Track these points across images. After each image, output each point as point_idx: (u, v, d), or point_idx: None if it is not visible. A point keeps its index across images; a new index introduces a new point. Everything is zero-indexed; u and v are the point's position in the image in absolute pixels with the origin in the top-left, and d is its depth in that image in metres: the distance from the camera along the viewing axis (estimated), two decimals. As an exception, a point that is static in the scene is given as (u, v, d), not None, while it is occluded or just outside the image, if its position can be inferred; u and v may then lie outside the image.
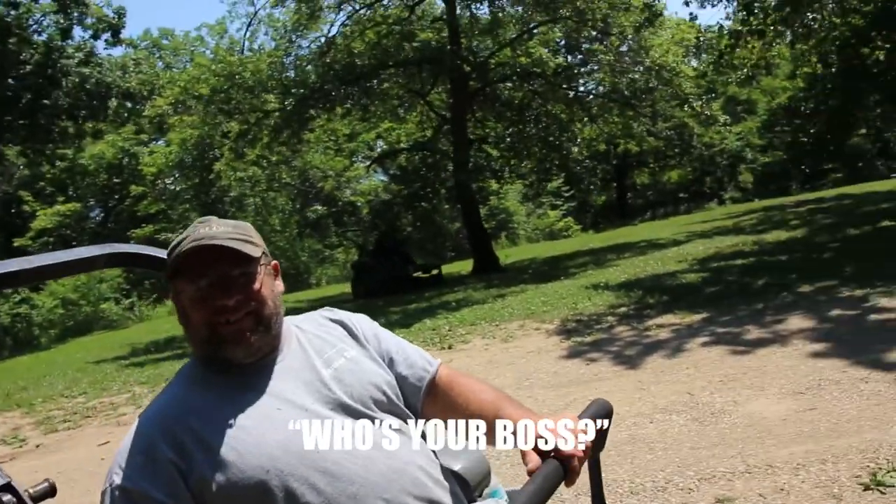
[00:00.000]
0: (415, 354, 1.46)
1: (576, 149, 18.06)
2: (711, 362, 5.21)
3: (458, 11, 16.71)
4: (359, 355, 1.38)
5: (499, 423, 1.27)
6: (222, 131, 19.45)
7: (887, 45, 11.49)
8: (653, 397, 4.66)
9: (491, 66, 17.13)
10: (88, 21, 21.21)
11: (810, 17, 11.38)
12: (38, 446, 6.19)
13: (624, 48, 17.30)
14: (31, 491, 1.46)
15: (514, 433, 1.22)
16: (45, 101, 19.29)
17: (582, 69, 18.20)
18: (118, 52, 33.85)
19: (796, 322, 5.91)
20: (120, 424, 6.47)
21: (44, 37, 20.37)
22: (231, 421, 1.18)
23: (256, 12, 18.48)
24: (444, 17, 16.88)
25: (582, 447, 1.14)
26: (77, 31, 21.23)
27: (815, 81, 14.98)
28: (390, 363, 1.41)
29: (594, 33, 17.05)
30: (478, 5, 17.33)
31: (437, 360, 1.47)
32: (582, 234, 29.06)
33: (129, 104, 23.91)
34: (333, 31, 17.22)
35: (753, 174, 35.22)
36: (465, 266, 17.00)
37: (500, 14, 16.63)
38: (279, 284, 1.37)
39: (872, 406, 3.87)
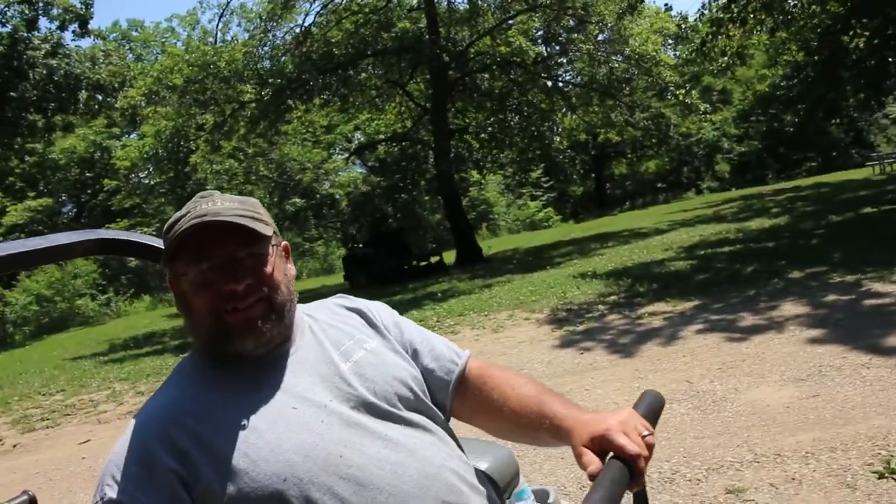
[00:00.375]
0: (441, 345, 1.31)
1: (557, 138, 17.98)
2: (708, 350, 5.15)
3: (435, 0, 16.53)
4: (380, 347, 1.23)
5: (544, 421, 1.13)
6: (197, 123, 19.08)
7: (866, 33, 11.54)
8: (651, 386, 4.54)
9: (470, 55, 16.98)
10: (54, 12, 20.63)
11: (791, 3, 11.39)
12: (15, 446, 5.98)
13: (602, 37, 17.26)
14: None
15: (566, 431, 1.08)
16: (12, 94, 18.73)
17: (562, 59, 18.10)
18: (87, 43, 33.15)
19: (790, 308, 5.88)
20: (101, 422, 6.27)
21: (8, 28, 19.77)
22: (241, 422, 1.04)
23: (229, 2, 18.14)
24: (422, 5, 16.69)
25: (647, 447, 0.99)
26: (43, 22, 20.67)
27: (797, 69, 14.98)
28: (414, 355, 1.27)
29: (572, 23, 16.98)
30: (456, -6, 17.17)
31: (466, 350, 1.33)
32: (562, 224, 29.10)
33: (99, 96, 23.29)
34: (309, 20, 16.95)
35: (730, 164, 35.54)
36: (447, 257, 16.86)
37: (479, 2, 16.45)
38: (291, 268, 1.22)
39: (877, 392, 3.82)
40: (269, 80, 15.90)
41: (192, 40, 20.48)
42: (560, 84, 18.79)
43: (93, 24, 21.98)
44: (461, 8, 17.27)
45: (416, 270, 15.45)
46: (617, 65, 17.01)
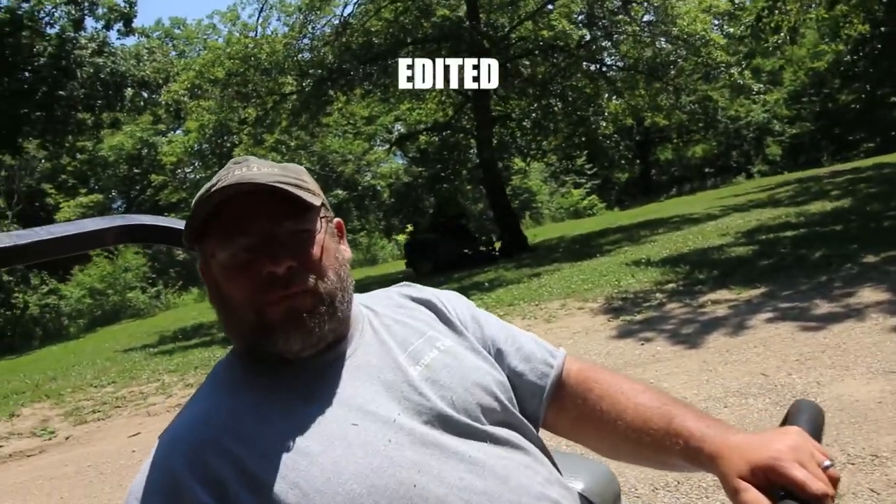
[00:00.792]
0: (531, 343, 1.07)
1: (603, 123, 17.51)
2: (782, 340, 4.81)
3: (476, -15, 16.20)
4: (456, 346, 1.00)
5: (675, 440, 0.89)
6: (240, 117, 19.18)
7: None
8: (722, 379, 4.28)
9: (511, 40, 16.62)
10: (100, 11, 21.01)
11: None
12: (67, 438, 5.99)
13: (648, 17, 16.71)
14: None
15: (709, 456, 0.84)
16: (61, 93, 19.11)
17: (606, 42, 17.59)
18: (131, 41, 33.76)
19: (869, 294, 5.48)
20: (150, 414, 6.24)
21: (56, 29, 20.18)
22: (289, 443, 0.83)
23: (268, -2, 18.08)
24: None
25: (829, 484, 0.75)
26: (89, 22, 21.05)
27: (862, 42, 14.16)
28: (498, 355, 1.04)
29: (617, 3, 16.46)
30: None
31: (561, 348, 1.09)
32: (607, 212, 28.53)
33: (144, 93, 23.73)
34: (348, 11, 16.83)
35: (781, 146, 34.35)
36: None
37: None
38: (346, 249, 0.99)
39: (979, 385, 3.47)
40: (310, 72, 15.83)
41: (232, 35, 20.58)
42: (604, 68, 18.29)
43: (136, 23, 22.37)
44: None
45: (481, 256, 14.96)
46: (664, 46, 16.45)
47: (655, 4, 15.53)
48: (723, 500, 2.83)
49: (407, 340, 0.97)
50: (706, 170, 35.83)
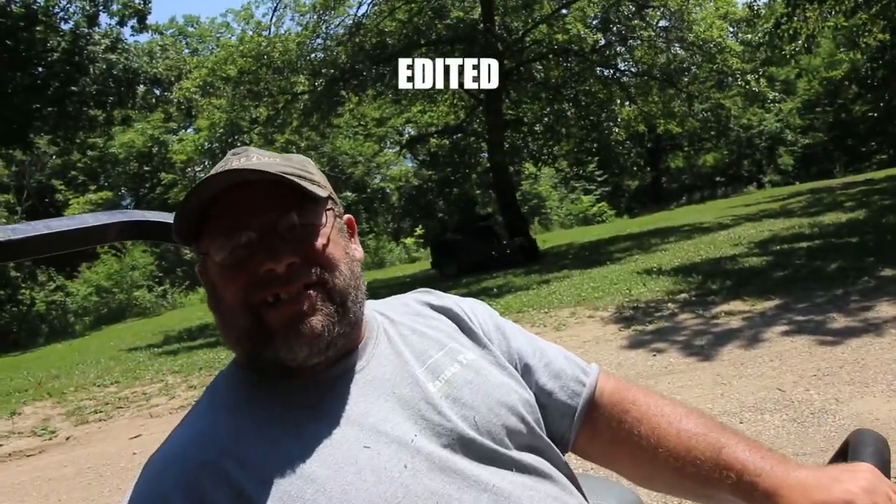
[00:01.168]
0: (560, 358, 0.97)
1: (616, 129, 17.40)
2: (798, 354, 4.69)
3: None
4: (480, 360, 0.90)
5: (727, 474, 0.79)
6: (251, 116, 19.18)
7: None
8: (738, 393, 4.17)
9: (526, 43, 16.54)
10: (114, 7, 21.05)
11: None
12: (67, 438, 5.92)
13: (663, 23, 16.61)
14: None
15: (765, 493, 0.75)
16: (73, 89, 19.13)
17: (620, 47, 17.48)
18: (144, 38, 33.84)
19: (887, 309, 5.34)
20: (152, 416, 6.17)
21: (70, 24, 20.23)
22: (294, 467, 0.73)
23: (283, -4, 18.07)
24: (477, -7, 16.33)
25: None
26: (103, 18, 21.10)
27: (881, 50, 13.97)
28: (525, 371, 0.93)
29: (633, 8, 16.36)
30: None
31: (594, 364, 0.99)
32: (616, 219, 28.37)
33: (156, 90, 23.76)
34: (362, 11, 16.80)
35: (794, 156, 34.12)
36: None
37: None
38: (357, 248, 0.89)
39: None
40: (322, 71, 15.79)
41: (245, 34, 20.62)
42: (617, 74, 18.18)
43: (150, 20, 22.43)
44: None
45: (508, 258, 14.45)
46: (678, 52, 16.34)
47: (672, 9, 15.41)
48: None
49: (426, 352, 0.88)
50: (717, 179, 35.63)
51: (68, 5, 20.22)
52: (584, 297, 8.09)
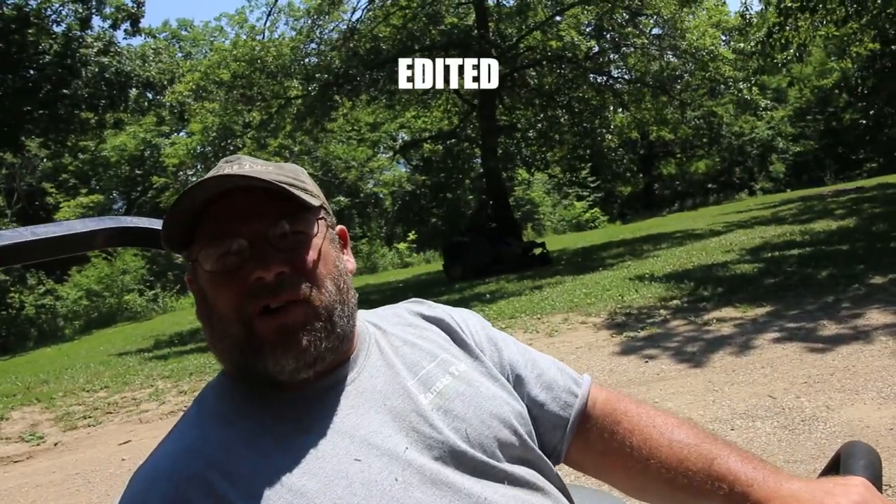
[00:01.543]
0: (552, 369, 0.97)
1: (609, 136, 17.46)
2: (789, 361, 4.70)
3: (485, -7, 16.20)
4: (472, 371, 0.89)
5: (719, 485, 0.79)
6: (244, 120, 19.14)
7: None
8: (729, 400, 4.17)
9: (520, 50, 16.60)
10: (107, 10, 21.00)
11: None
12: (56, 444, 5.86)
13: (657, 31, 16.70)
14: None
15: None
16: (65, 91, 19.05)
17: (613, 55, 17.57)
18: (137, 41, 33.81)
19: (877, 317, 5.37)
20: (142, 422, 6.12)
21: (62, 27, 20.16)
22: (283, 481, 0.72)
23: (276, 1, 18.07)
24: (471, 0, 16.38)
25: None
26: (96, 21, 21.04)
27: (871, 60, 14.08)
28: (517, 382, 0.93)
29: (626, 16, 16.44)
30: (506, -13, 16.80)
31: (586, 375, 0.98)
32: (609, 225, 28.44)
33: (149, 94, 23.68)
34: (356, 16, 16.81)
35: (785, 164, 34.32)
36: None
37: (529, -4, 16.06)
38: (349, 260, 0.89)
39: None
40: (316, 76, 15.79)
41: (239, 38, 20.60)
42: (611, 81, 18.26)
43: (143, 23, 22.36)
44: (511, 2, 16.90)
45: (518, 262, 14.12)
46: (671, 60, 16.43)
47: (665, 17, 15.50)
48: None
49: (417, 364, 0.88)
50: (709, 185, 35.77)
51: (61, 8, 20.15)
52: (576, 304, 8.10)
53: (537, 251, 14.73)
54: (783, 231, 11.80)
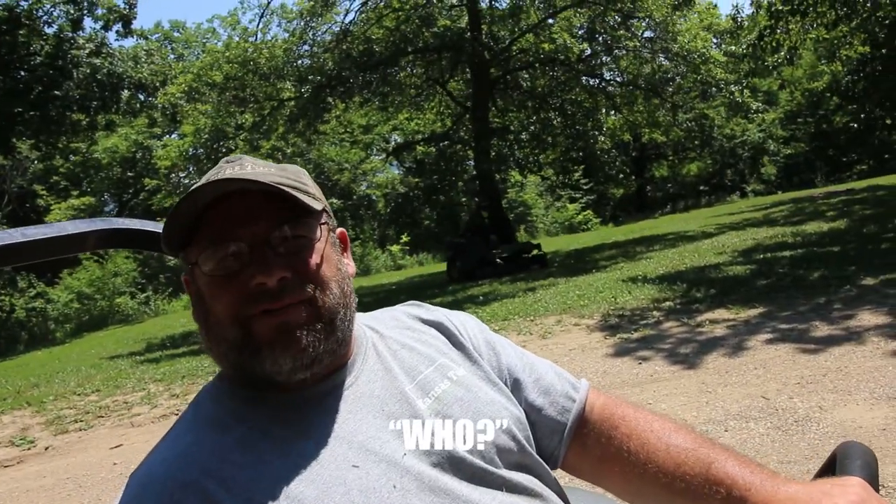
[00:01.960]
0: (550, 373, 0.97)
1: (602, 137, 17.51)
2: (782, 362, 4.71)
3: (478, -5, 16.23)
4: (470, 376, 0.89)
5: (716, 489, 0.79)
6: (236, 122, 19.10)
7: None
8: (722, 401, 4.18)
9: (512, 52, 16.63)
10: (99, 12, 20.94)
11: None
12: (47, 448, 5.81)
13: (648, 34, 16.77)
14: None
15: None
16: (56, 93, 18.98)
17: (606, 57, 17.62)
18: (129, 43, 33.67)
19: (869, 318, 5.39)
20: (133, 425, 6.07)
21: (54, 28, 20.08)
22: (279, 488, 0.71)
23: (269, 2, 18.07)
24: (464, 2, 16.40)
25: None
26: (87, 22, 20.99)
27: (862, 63, 14.17)
28: (515, 387, 0.93)
29: (618, 18, 16.50)
30: (499, -10, 16.84)
31: (584, 380, 0.98)
32: (601, 227, 28.51)
33: (141, 95, 23.62)
34: (349, 18, 16.82)
35: (776, 166, 34.49)
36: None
37: (521, -1, 16.10)
38: (349, 263, 0.89)
39: None
40: (309, 78, 15.77)
41: (232, 40, 20.57)
42: (603, 83, 18.33)
43: (135, 25, 22.30)
44: (503, 5, 16.95)
45: (515, 263, 13.86)
46: (663, 62, 16.50)
47: (657, 20, 15.56)
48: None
49: (415, 368, 0.87)
50: (701, 188, 35.90)
51: (52, 9, 20.09)
52: (569, 305, 8.11)
53: (534, 252, 14.57)
54: (775, 233, 11.85)
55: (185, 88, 16.89)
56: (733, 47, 15.23)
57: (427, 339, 0.93)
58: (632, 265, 11.06)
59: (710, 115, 19.46)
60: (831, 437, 3.48)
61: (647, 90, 16.81)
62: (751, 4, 11.88)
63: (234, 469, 0.72)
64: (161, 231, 1.27)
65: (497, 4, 17.07)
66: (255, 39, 17.73)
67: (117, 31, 21.59)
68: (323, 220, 0.82)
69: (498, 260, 13.89)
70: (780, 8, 10.71)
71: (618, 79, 18.16)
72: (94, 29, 21.26)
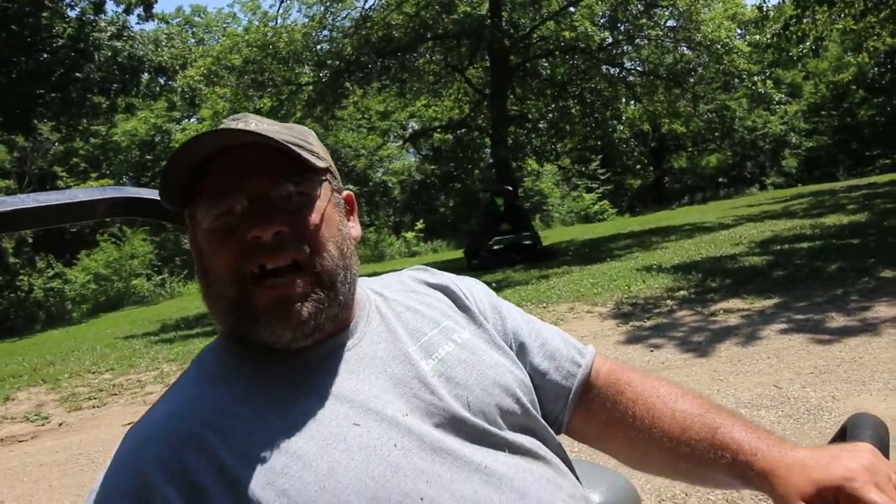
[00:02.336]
0: (556, 338, 0.96)
1: (620, 127, 17.34)
2: (795, 352, 4.66)
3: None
4: (475, 339, 0.89)
5: (722, 453, 0.78)
6: (254, 106, 19.16)
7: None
8: (734, 389, 4.14)
9: (532, 40, 16.49)
10: (121, -5, 20.97)
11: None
12: (60, 424, 5.89)
13: (672, 23, 16.56)
14: None
15: (761, 473, 0.73)
16: (77, 75, 19.05)
17: (627, 46, 17.41)
18: (150, 27, 33.85)
19: (885, 310, 5.31)
20: (146, 403, 6.13)
21: (76, 11, 20.16)
22: (279, 443, 0.71)
23: (290, -13, 18.04)
24: (485, -12, 16.27)
25: None
26: (109, 6, 21.04)
27: (890, 55, 13.85)
28: (520, 351, 0.92)
29: (641, 7, 16.29)
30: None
31: (590, 346, 0.98)
32: (618, 217, 28.31)
33: (161, 79, 23.68)
34: (369, 4, 16.76)
35: (797, 159, 34.04)
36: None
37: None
38: (354, 227, 0.87)
39: None
40: (328, 63, 15.75)
41: (252, 24, 20.59)
42: (623, 72, 18.13)
43: (157, 9, 22.33)
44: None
45: (526, 253, 13.45)
46: (685, 52, 16.29)
47: (680, 9, 15.35)
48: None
49: (419, 330, 0.87)
50: (719, 180, 35.55)
51: (75, -8, 20.14)
52: (582, 293, 8.07)
53: (526, 243, 13.98)
54: (793, 225, 11.71)
55: (205, 72, 16.95)
56: (758, 36, 14.98)
57: (432, 301, 0.93)
58: (647, 255, 10.98)
59: (732, 107, 19.22)
60: (844, 428, 3.44)
61: (668, 80, 16.62)
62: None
63: (234, 423, 0.72)
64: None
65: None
66: (275, 24, 17.72)
67: (138, 15, 21.55)
68: (325, 178, 0.81)
69: (495, 248, 13.64)
70: (807, -2, 10.50)
71: (638, 68, 17.96)
72: (116, 12, 21.32)
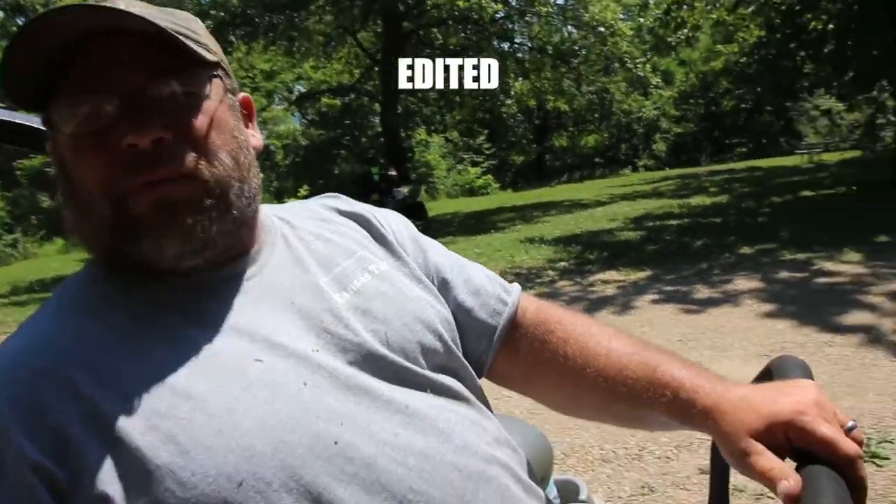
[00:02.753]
0: (481, 275, 0.88)
1: (509, 101, 17.67)
2: (666, 320, 5.00)
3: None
4: (394, 271, 0.79)
5: (661, 392, 0.73)
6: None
7: (823, 17, 11.55)
8: (610, 355, 4.37)
9: (427, 6, 16.36)
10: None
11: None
12: None
13: (561, 1, 16.96)
14: None
15: (704, 411, 0.68)
16: None
17: (518, 23, 17.66)
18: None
19: (744, 283, 5.81)
20: None
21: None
22: (164, 380, 0.60)
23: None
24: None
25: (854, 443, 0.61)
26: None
27: (759, 46, 14.90)
28: (443, 286, 0.84)
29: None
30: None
31: (516, 284, 0.91)
32: (501, 192, 28.94)
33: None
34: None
35: (666, 143, 36.18)
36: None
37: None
38: (254, 135, 0.75)
39: (842, 371, 3.71)
40: (211, 13, 14.88)
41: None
42: (514, 47, 18.42)
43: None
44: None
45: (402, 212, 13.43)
46: (572, 31, 16.77)
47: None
48: (686, 472, 2.80)
49: (332, 260, 0.76)
50: (596, 160, 37.15)
51: None
52: (468, 263, 8.21)
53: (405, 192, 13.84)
54: (663, 204, 12.47)
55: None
56: (642, 19, 15.64)
57: (345, 230, 0.83)
58: (529, 228, 11.33)
59: (611, 90, 20.02)
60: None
61: (555, 58, 17.05)
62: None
63: (107, 359, 0.60)
64: (25, 122, 1.07)
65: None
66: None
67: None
68: (218, 75, 0.68)
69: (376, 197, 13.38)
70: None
71: (528, 44, 18.30)
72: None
